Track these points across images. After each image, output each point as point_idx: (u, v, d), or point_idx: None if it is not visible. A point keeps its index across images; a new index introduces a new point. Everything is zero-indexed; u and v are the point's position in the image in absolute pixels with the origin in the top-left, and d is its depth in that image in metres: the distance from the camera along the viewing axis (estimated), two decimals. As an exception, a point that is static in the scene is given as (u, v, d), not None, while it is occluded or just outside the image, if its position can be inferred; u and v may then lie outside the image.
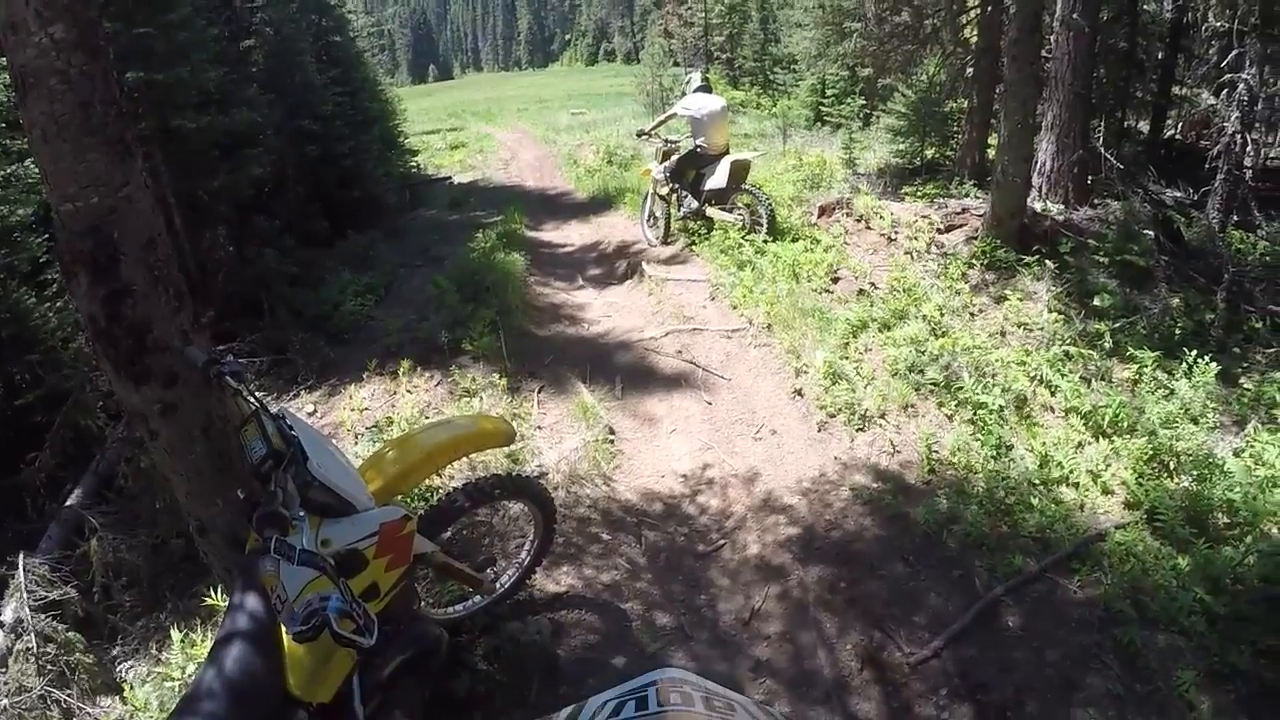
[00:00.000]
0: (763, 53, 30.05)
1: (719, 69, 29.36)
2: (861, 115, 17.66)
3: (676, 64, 30.69)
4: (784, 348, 6.49)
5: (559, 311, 8.52)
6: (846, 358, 6.14)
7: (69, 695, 4.29)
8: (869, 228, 9.08)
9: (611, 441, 5.67)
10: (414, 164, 19.28)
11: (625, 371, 6.69)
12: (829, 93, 20.28)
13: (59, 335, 6.60)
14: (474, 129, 32.69)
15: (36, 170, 6.97)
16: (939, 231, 8.66)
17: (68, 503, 5.75)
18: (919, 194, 10.37)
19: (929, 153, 12.31)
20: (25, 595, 4.69)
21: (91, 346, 2.74)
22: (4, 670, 4.38)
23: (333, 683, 2.40)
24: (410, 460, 3.23)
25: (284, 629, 2.23)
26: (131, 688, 3.98)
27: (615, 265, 9.93)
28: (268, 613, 2.28)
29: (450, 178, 19.29)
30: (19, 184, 6.74)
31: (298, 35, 12.70)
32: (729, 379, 6.42)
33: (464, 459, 4.99)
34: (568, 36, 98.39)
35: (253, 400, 2.64)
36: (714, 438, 5.68)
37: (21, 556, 4.88)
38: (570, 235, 12.37)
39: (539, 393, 6.39)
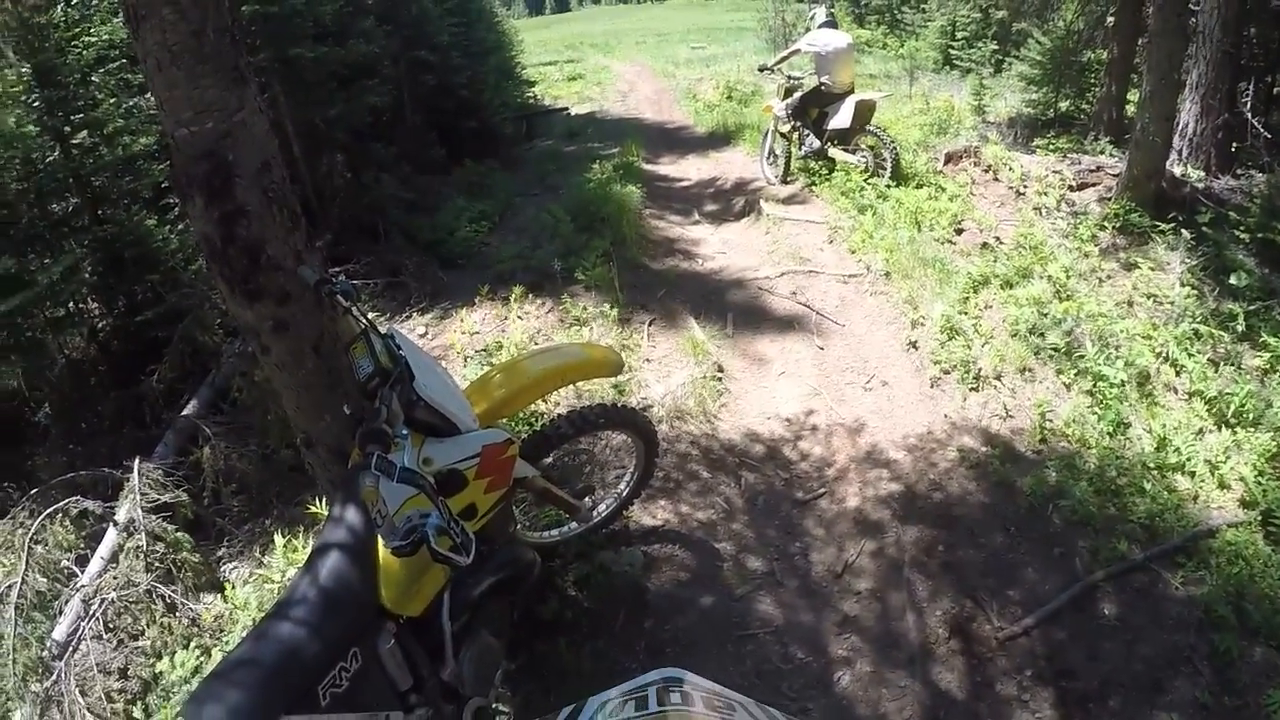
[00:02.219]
0: (891, -12, 28.98)
1: (844, 5, 28.28)
2: (993, 61, 16.94)
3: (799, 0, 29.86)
4: (901, 297, 6.31)
5: (673, 246, 8.44)
6: (965, 313, 5.92)
7: (174, 591, 4.50)
8: (997, 179, 8.71)
9: (719, 379, 5.62)
10: (531, 95, 19.21)
11: (737, 310, 6.62)
12: (959, 35, 19.46)
13: (179, 256, 6.88)
14: (591, 61, 32.41)
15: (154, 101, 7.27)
16: (1070, 189, 8.25)
17: (184, 413, 6.04)
18: (1051, 147, 9.93)
19: (1063, 105, 11.77)
20: (139, 497, 4.92)
21: (208, 265, 2.80)
22: (114, 565, 4.61)
23: (424, 598, 2.46)
24: (517, 385, 3.24)
25: (381, 543, 2.27)
26: (233, 587, 4.16)
27: (732, 202, 9.76)
28: (366, 526, 2.32)
29: (567, 109, 19.21)
30: (139, 115, 6.98)
31: None
32: (843, 325, 6.28)
33: (570, 387, 5.02)
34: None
35: (362, 319, 2.68)
36: (823, 384, 5.58)
37: (137, 461, 5.11)
38: (688, 170, 12.18)
39: (649, 325, 6.37)
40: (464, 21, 14.09)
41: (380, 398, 2.45)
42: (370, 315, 2.75)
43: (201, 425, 5.71)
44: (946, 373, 5.41)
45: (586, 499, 3.92)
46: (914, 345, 5.78)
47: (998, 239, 7.29)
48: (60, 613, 4.48)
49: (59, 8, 6.59)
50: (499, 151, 13.43)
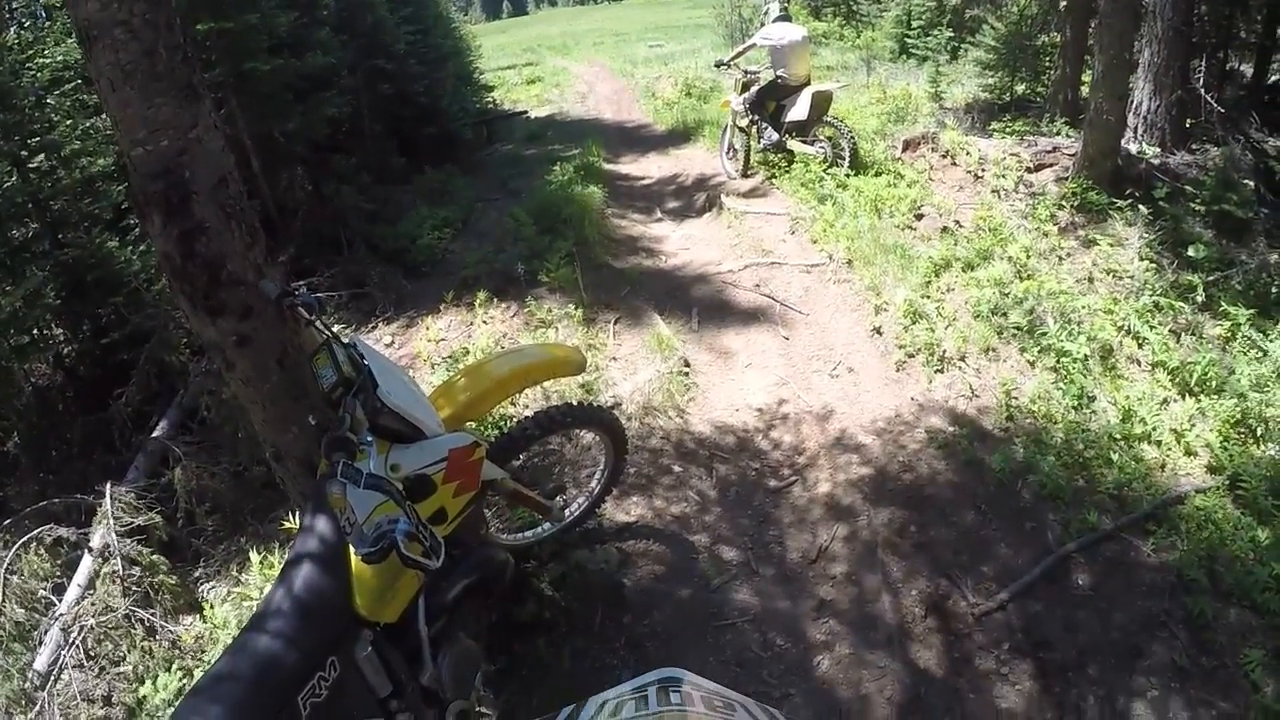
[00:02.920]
0: (846, -19, 29.10)
1: None
2: (949, 48, 17.08)
3: (753, -5, 29.95)
4: (864, 284, 6.35)
5: (636, 244, 8.45)
6: (928, 297, 5.98)
7: (153, 614, 4.47)
8: (955, 164, 8.78)
9: (686, 374, 5.63)
10: (490, 100, 19.23)
11: (702, 304, 6.64)
12: (915, 24, 19.62)
13: (141, 277, 6.82)
14: (550, 63, 32.36)
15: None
16: (1028, 170, 8.32)
17: (153, 434, 6.01)
18: (1008, 131, 10.00)
19: (1019, 88, 11.88)
20: (112, 521, 4.88)
21: (169, 283, 2.81)
22: (91, 592, 4.58)
23: (399, 604, 2.45)
24: (481, 388, 3.25)
25: (353, 551, 2.25)
26: (211, 606, 4.14)
27: (694, 198, 9.79)
28: (337, 535, 2.32)
29: (526, 112, 19.17)
30: (97, 136, 6.92)
31: None
32: (807, 314, 6.32)
33: (538, 389, 5.03)
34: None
35: (325, 330, 2.67)
36: (790, 373, 5.61)
37: (109, 485, 5.08)
38: (649, 168, 12.21)
39: (615, 324, 6.38)
40: (420, 29, 14.06)
41: (344, 406, 2.46)
42: (335, 326, 2.78)
43: (171, 446, 5.68)
44: (911, 356, 5.45)
45: (558, 499, 3.95)
46: (878, 331, 5.82)
47: (957, 223, 7.35)
48: (40, 643, 4.44)
49: (11, 30, 6.51)
50: (459, 157, 13.40)
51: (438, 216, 9.57)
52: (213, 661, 2.25)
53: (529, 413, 3.96)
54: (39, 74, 6.59)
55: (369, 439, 2.49)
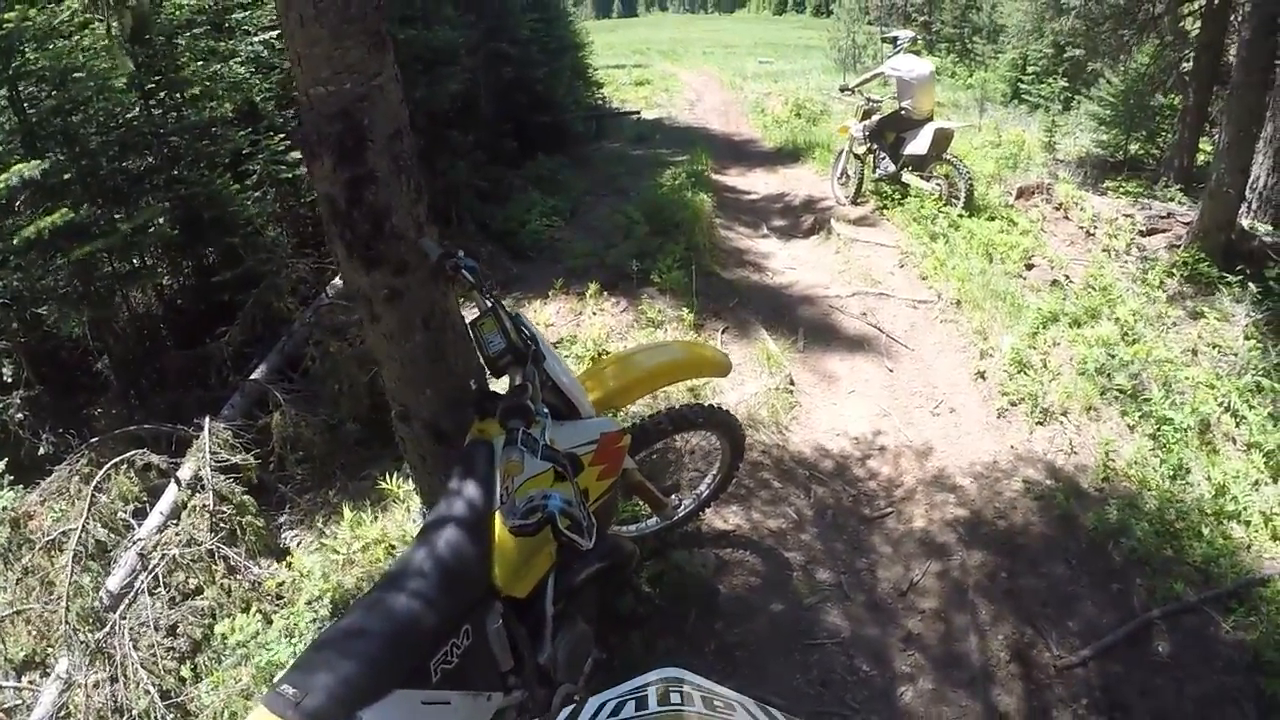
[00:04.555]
0: (962, 19, 28.69)
1: (916, 30, 28.24)
2: (1062, 98, 16.82)
3: (870, 22, 29.66)
4: (971, 327, 6.33)
5: (743, 257, 8.48)
6: (1034, 348, 5.93)
7: (236, 552, 4.56)
8: (1067, 218, 8.69)
9: (790, 392, 5.67)
10: (600, 96, 19.29)
11: (808, 325, 6.65)
12: (1030, 70, 19.35)
13: (259, 221, 6.99)
14: (659, 67, 32.41)
15: (240, 70, 7.47)
16: (1140, 233, 8.20)
17: (252, 376, 6.10)
18: (1121, 190, 9.87)
19: (1133, 147, 11.68)
20: (209, 456, 4.98)
21: (327, 227, 2.80)
22: (175, 522, 4.68)
23: (531, 579, 2.44)
24: (630, 377, 3.28)
25: (499, 520, 2.26)
26: (293, 554, 4.25)
27: (801, 219, 9.76)
28: (484, 501, 2.33)
29: (638, 113, 19.23)
30: (222, 82, 7.12)
31: None
32: (912, 349, 6.31)
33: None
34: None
35: (489, 296, 2.68)
36: (891, 405, 5.62)
37: (208, 420, 5.20)
38: (755, 183, 12.19)
39: (722, 334, 6.44)
40: (543, 18, 14.17)
41: (524, 374, 2.48)
42: (495, 291, 2.75)
43: (271, 390, 5.77)
44: (1014, 405, 5.42)
45: (672, 496, 3.98)
46: (982, 375, 5.80)
47: (1067, 277, 7.27)
48: (115, 564, 4.56)
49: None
50: (569, 149, 13.47)
51: (547, 204, 9.69)
52: (344, 614, 2.20)
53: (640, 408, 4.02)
54: (175, 14, 6.79)
55: (544, 410, 2.45)
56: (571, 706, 1.19)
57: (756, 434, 5.07)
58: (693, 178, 10.55)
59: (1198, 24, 10.72)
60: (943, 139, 8.99)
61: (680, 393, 5.20)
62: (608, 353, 5.86)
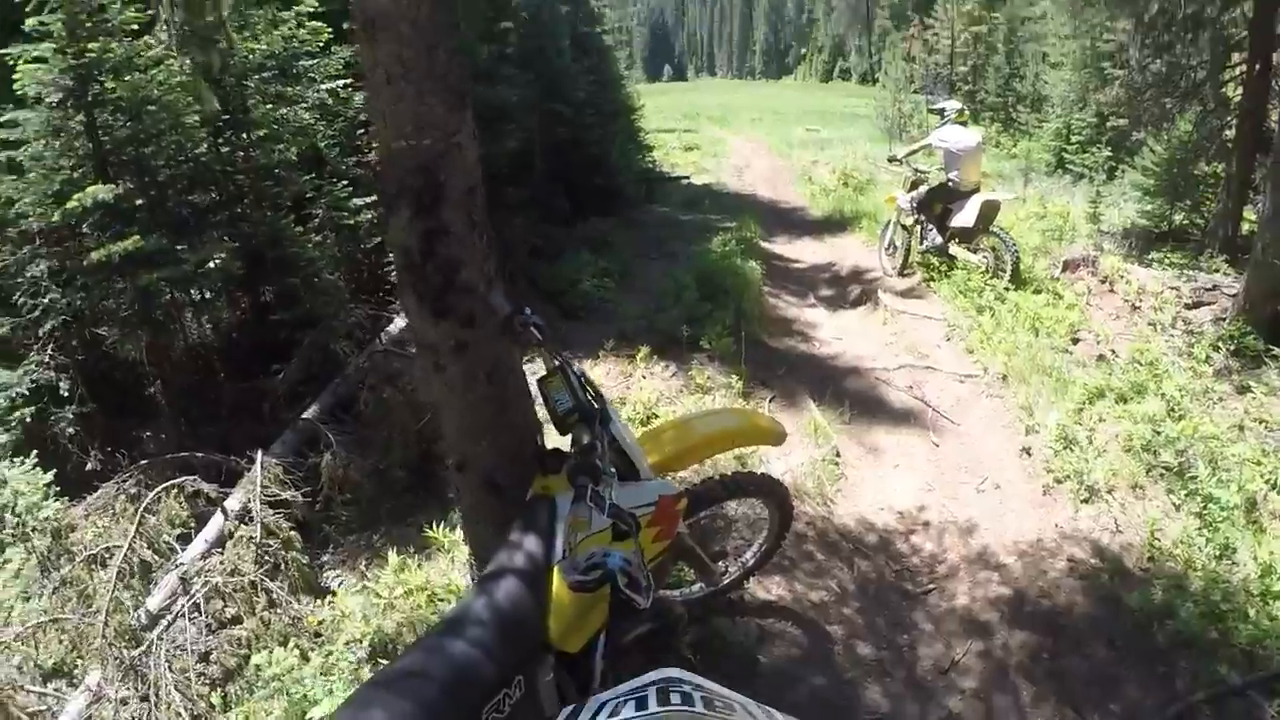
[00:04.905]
0: (1006, 88, 28.85)
1: (960, 99, 28.32)
2: (1106, 167, 16.80)
3: (916, 91, 29.90)
4: (1017, 402, 6.31)
5: (791, 326, 8.56)
6: (1080, 424, 5.89)
7: (279, 587, 4.61)
8: (1113, 291, 8.65)
9: (836, 464, 5.68)
10: (651, 160, 19.51)
11: (855, 397, 6.66)
12: (1074, 139, 19.36)
13: (318, 264, 7.17)
14: (708, 132, 32.75)
15: (306, 115, 7.75)
16: (1186, 306, 8.12)
17: (305, 415, 6.23)
18: (1166, 262, 9.80)
19: (1177, 217, 11.60)
20: (259, 489, 5.08)
21: (399, 277, 2.86)
22: (219, 551, 4.76)
23: (583, 635, 2.43)
24: (688, 442, 3.31)
25: (557, 574, 2.28)
26: (336, 594, 4.30)
27: (848, 289, 9.83)
28: (544, 555, 2.35)
29: (688, 178, 19.49)
30: (289, 126, 7.37)
31: (554, 21, 13.15)
32: (958, 424, 6.30)
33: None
34: (803, 51, 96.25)
35: (557, 354, 2.72)
36: (936, 480, 5.61)
37: (260, 453, 5.32)
38: (803, 252, 12.29)
39: (770, 402, 6.49)
40: (598, 81, 14.46)
41: (593, 433, 2.51)
42: (563, 350, 2.80)
43: (324, 430, 5.88)
44: (1059, 482, 5.38)
45: (719, 563, 4.00)
46: (1028, 452, 5.76)
47: (1113, 351, 7.22)
48: (156, 584, 4.65)
49: (226, 11, 7.03)
50: (620, 212, 13.68)
51: (598, 265, 9.83)
52: (398, 656, 2.26)
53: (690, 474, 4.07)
54: (249, 57, 7.05)
55: (612, 469, 2.46)
56: (571, 707, 1.18)
57: (802, 505, 5.09)
58: (742, 245, 10.66)
59: (1239, 90, 10.70)
60: (989, 211, 9.00)
61: (726, 459, 5.24)
62: (657, 416, 5.93)
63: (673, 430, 3.42)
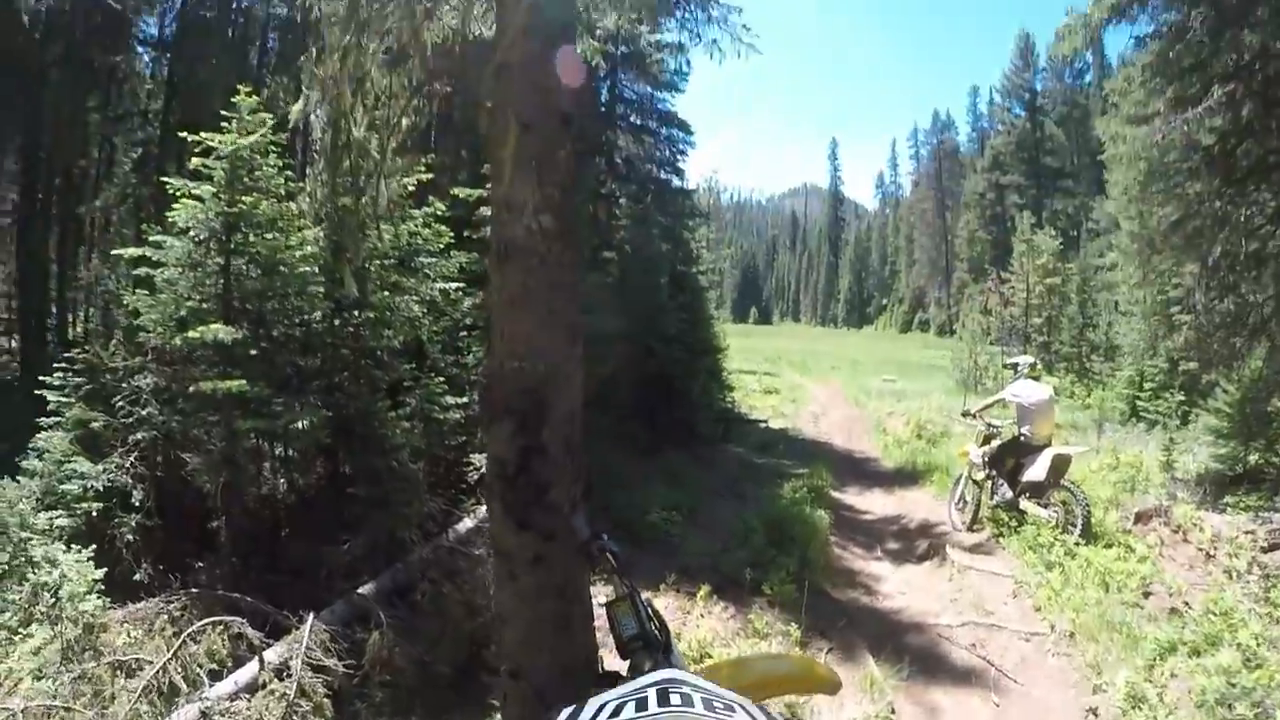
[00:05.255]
0: (1080, 338, 29.01)
1: (1034, 351, 28.43)
2: (1179, 412, 16.56)
3: (992, 343, 30.27)
4: (1085, 660, 6.07)
5: (855, 578, 8.48)
6: (1150, 681, 5.64)
7: None
8: (1186, 540, 8.40)
9: (891, 722, 5.53)
10: (730, 400, 19.89)
11: (914, 653, 6.48)
12: (1146, 386, 19.25)
13: (403, 450, 7.47)
14: (788, 377, 33.41)
15: (416, 308, 8.27)
16: (1262, 550, 7.82)
17: (361, 590, 6.36)
18: (1241, 505, 9.52)
19: (1252, 458, 11.28)
20: (303, 649, 5.15)
21: (489, 485, 2.97)
22: (249, 697, 4.82)
23: None
24: (744, 682, 3.26)
25: None
26: None
27: (915, 543, 9.71)
28: None
29: (765, 421, 19.77)
30: (400, 314, 7.89)
31: (656, 258, 13.91)
32: (1022, 685, 6.04)
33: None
34: (884, 301, 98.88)
35: (627, 581, 2.71)
36: (996, 743, 5.39)
37: (311, 616, 5.42)
38: (873, 503, 12.26)
39: (826, 654, 6.39)
40: (690, 319, 15.02)
41: (655, 662, 2.47)
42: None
43: (377, 610, 5.96)
44: (1127, 744, 5.13)
45: None
46: (1094, 712, 5.50)
47: (1186, 604, 6.93)
48: (176, 708, 4.67)
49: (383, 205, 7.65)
50: (697, 448, 13.86)
51: (669, 498, 9.96)
52: None
53: None
54: (377, 244, 7.62)
55: None
56: (571, 708, 1.18)
57: None
58: (812, 493, 10.75)
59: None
60: (1061, 465, 8.93)
61: (777, 705, 5.14)
62: (710, 656, 5.92)
63: (729, 668, 3.45)
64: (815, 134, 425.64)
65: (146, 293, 7.09)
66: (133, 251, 7.31)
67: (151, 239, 7.09)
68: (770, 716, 1.15)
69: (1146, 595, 7.18)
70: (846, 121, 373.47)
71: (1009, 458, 9.45)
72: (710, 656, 5.92)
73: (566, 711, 1.17)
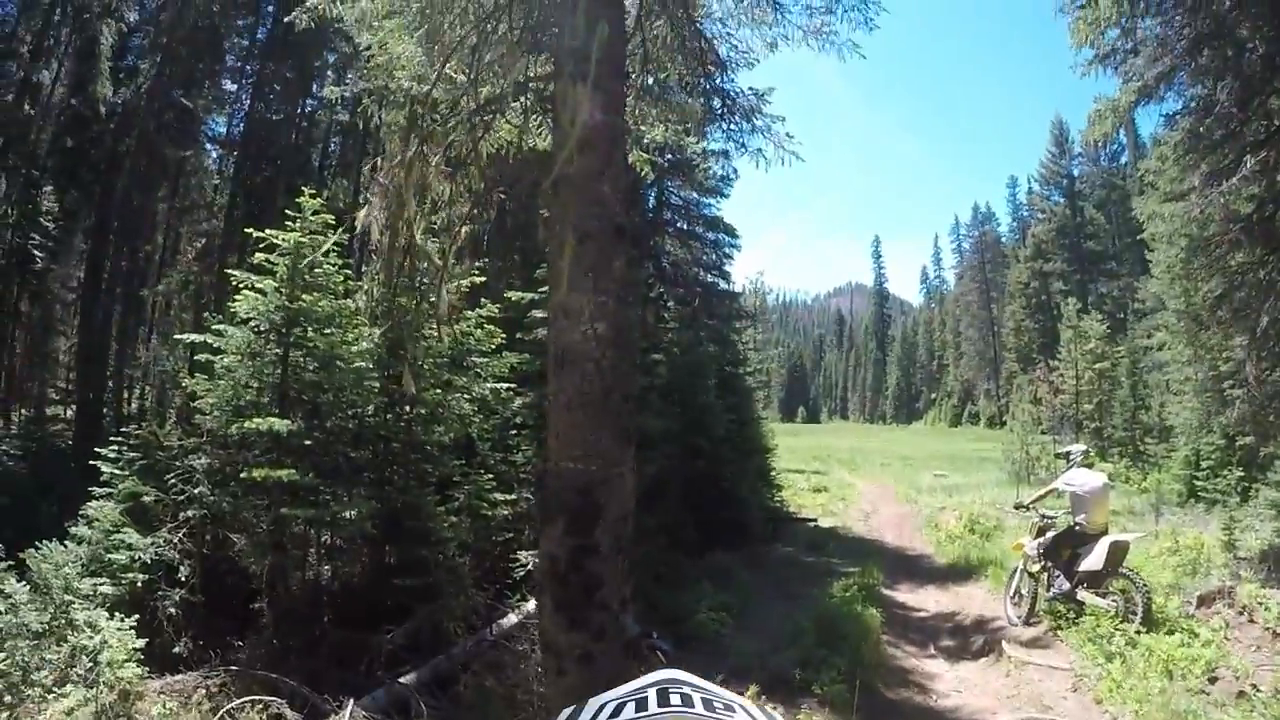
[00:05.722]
0: (1133, 421, 28.28)
1: (1086, 438, 27.78)
2: (1239, 489, 15.99)
3: (1043, 432, 29.65)
4: (1151, 755, 5.76)
5: (908, 677, 8.19)
6: (1221, 771, 5.34)
7: None
8: (1252, 620, 8.02)
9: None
10: (779, 499, 19.70)
11: (972, 758, 6.22)
12: (1203, 464, 18.64)
13: (450, 544, 7.47)
14: (837, 475, 32.86)
15: (467, 406, 8.33)
16: (1329, 624, 7.49)
17: (403, 679, 6.32)
18: (1307, 580, 9.11)
19: (1315, 529, 10.86)
20: None
21: (540, 582, 2.97)
22: None
23: None
24: None
25: None
26: None
27: (971, 639, 9.38)
28: None
29: (815, 520, 19.40)
30: (451, 411, 7.93)
31: (704, 360, 14.01)
32: (1083, 782, 5.76)
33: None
34: (933, 396, 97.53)
35: None
36: (1059, 847, 5.07)
37: (352, 702, 5.36)
38: (926, 600, 11.92)
39: (880, 756, 6.12)
40: (739, 420, 15.03)
41: None
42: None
43: (417, 699, 5.91)
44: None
45: None
46: (1164, 809, 5.20)
47: (1254, 686, 6.57)
48: None
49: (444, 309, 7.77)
50: (745, 547, 13.68)
51: (717, 598, 9.85)
52: None
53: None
54: (431, 344, 7.77)
55: None
56: (572, 708, 1.15)
57: None
58: (863, 591, 10.50)
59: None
60: (1118, 552, 8.62)
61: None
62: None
63: None
64: (858, 232, 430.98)
65: (205, 377, 7.32)
66: (194, 337, 7.65)
67: (213, 327, 7.36)
68: (771, 717, 1.11)
69: (1212, 680, 6.86)
70: (888, 218, 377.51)
71: (1065, 548, 9.14)
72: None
73: (567, 712, 1.15)
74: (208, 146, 22.48)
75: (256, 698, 5.48)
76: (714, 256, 20.05)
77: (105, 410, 17.64)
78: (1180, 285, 18.97)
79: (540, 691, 5.38)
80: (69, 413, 18.85)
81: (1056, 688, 7.41)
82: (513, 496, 9.02)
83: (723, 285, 20.59)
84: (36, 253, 17.33)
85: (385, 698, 6.22)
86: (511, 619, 7.79)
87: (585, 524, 2.81)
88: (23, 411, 18.24)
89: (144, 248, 20.70)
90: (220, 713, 5.25)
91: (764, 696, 6.75)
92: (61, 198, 17.88)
